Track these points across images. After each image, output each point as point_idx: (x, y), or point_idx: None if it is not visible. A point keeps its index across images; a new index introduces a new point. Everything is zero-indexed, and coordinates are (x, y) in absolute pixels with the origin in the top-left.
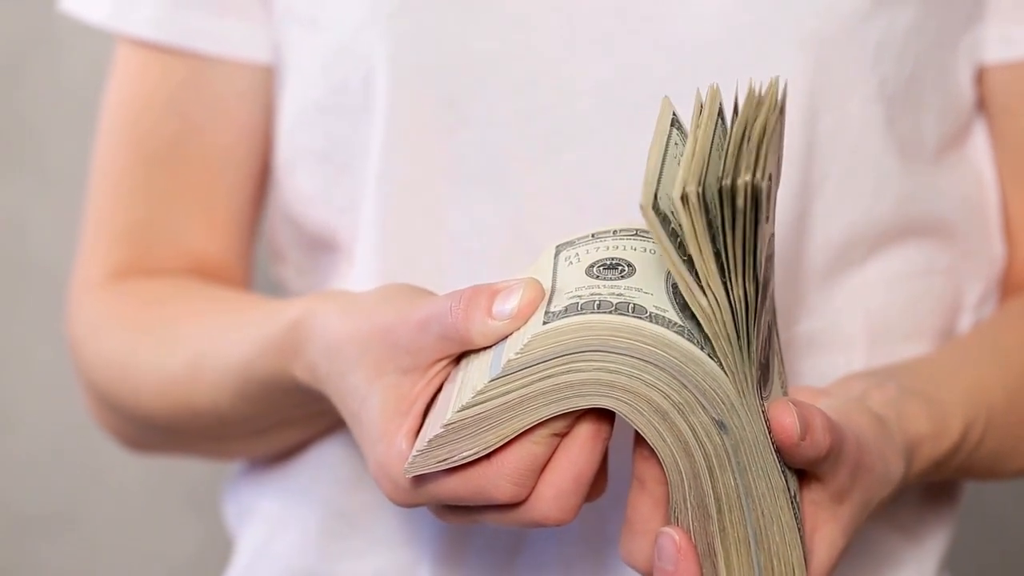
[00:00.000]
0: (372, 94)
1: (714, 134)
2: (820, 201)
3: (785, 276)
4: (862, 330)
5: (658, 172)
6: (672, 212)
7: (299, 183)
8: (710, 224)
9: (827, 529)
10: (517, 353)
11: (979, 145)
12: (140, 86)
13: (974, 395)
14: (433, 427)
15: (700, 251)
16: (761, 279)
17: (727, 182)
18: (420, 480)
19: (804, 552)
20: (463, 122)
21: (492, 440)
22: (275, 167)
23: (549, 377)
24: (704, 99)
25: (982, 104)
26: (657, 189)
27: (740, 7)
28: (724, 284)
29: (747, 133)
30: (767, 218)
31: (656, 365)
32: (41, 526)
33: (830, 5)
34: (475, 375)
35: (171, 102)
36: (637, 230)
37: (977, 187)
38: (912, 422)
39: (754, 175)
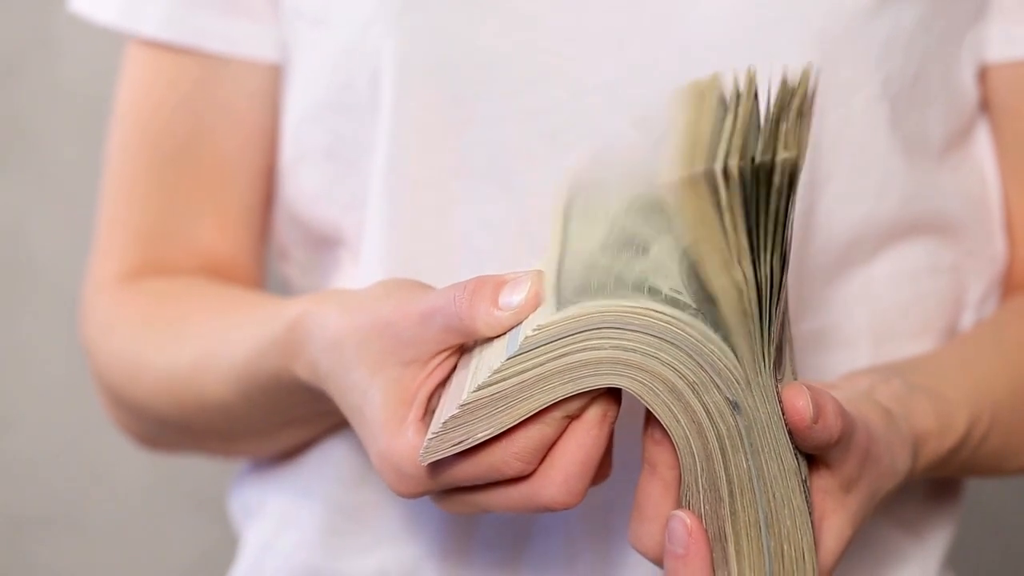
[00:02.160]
0: (379, 92)
1: (751, 113)
2: (825, 199)
3: (790, 273)
4: (867, 327)
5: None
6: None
7: (305, 181)
8: (745, 200)
9: (835, 518)
10: (535, 330)
11: (982, 143)
12: (151, 86)
13: (978, 392)
14: (448, 409)
15: (735, 226)
16: (787, 259)
17: (766, 158)
18: (430, 465)
19: (813, 538)
20: (470, 120)
21: (507, 420)
22: (280, 165)
23: (565, 355)
24: (742, 80)
25: (985, 102)
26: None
27: (748, 6)
28: (752, 261)
29: (783, 114)
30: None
31: (672, 343)
32: (41, 527)
33: (836, 4)
34: (491, 357)
35: (182, 102)
36: None
37: (980, 185)
38: (918, 418)
39: (787, 155)
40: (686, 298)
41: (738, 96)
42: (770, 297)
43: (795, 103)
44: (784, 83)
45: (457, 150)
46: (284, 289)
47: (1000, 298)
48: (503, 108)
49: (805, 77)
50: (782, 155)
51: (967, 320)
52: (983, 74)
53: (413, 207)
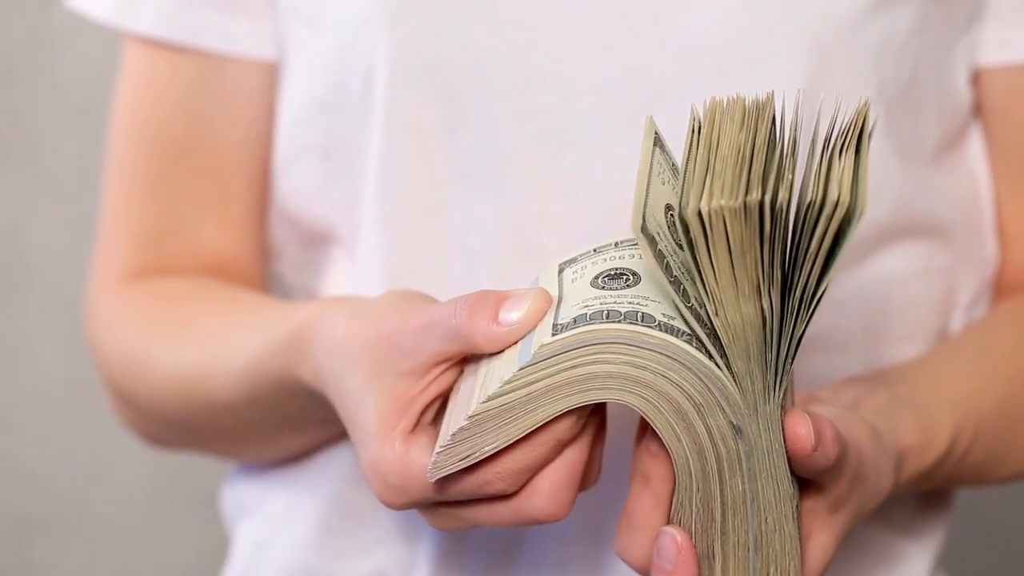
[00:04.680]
0: (372, 93)
1: (796, 146)
2: None
3: None
4: (859, 330)
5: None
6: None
7: (299, 179)
8: (787, 235)
9: (820, 538)
10: (552, 338)
11: (974, 147)
12: (149, 85)
13: (963, 405)
14: (456, 421)
15: (771, 258)
16: (821, 298)
17: (817, 196)
18: (417, 479)
19: (801, 562)
20: (464, 121)
21: (513, 433)
22: (274, 163)
23: (576, 367)
24: (787, 107)
25: (978, 107)
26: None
27: (742, 9)
28: (782, 293)
29: (836, 153)
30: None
31: (683, 364)
32: (41, 527)
33: (831, 7)
34: (501, 367)
35: (181, 100)
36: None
37: (972, 188)
38: (902, 434)
39: (840, 195)
40: (679, 323)
41: (781, 123)
42: (792, 331)
43: (854, 141)
44: (835, 121)
45: (450, 151)
46: (280, 287)
47: (991, 301)
48: (496, 110)
49: (861, 112)
50: (835, 196)
51: (957, 322)
52: (976, 78)
53: (407, 207)
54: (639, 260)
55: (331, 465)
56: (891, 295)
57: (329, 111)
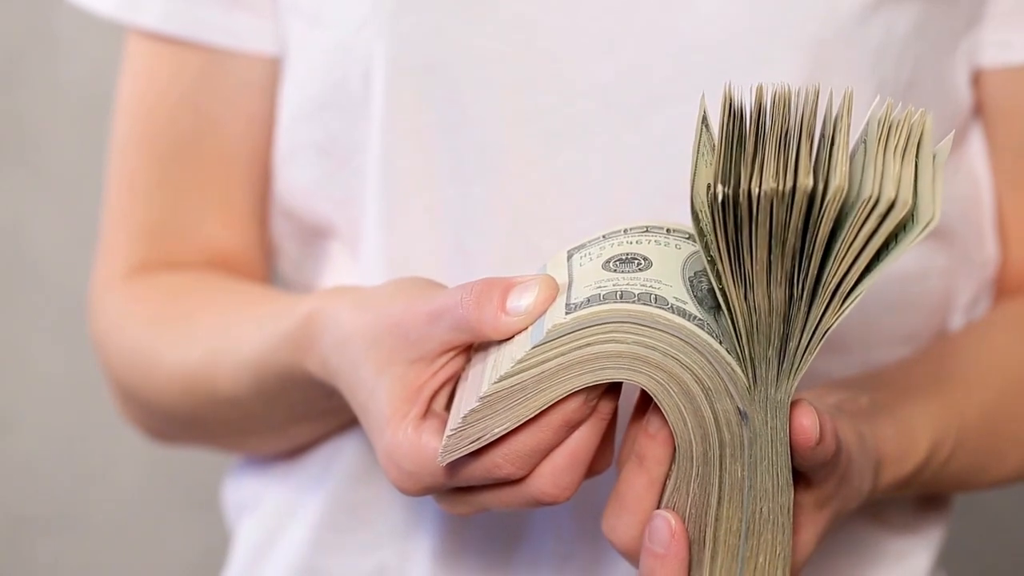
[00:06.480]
0: (372, 91)
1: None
2: None
3: None
4: (858, 332)
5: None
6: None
7: (299, 175)
8: (839, 225)
9: (804, 533)
10: (564, 318)
11: (974, 148)
12: (152, 80)
13: (946, 415)
14: (467, 403)
15: (812, 246)
16: (835, 292)
17: (875, 191)
18: (431, 465)
19: (791, 554)
20: (462, 121)
21: (524, 413)
22: (274, 159)
23: (589, 346)
24: (842, 101)
25: (978, 107)
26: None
27: (742, 10)
28: (815, 283)
29: (888, 147)
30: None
31: (694, 347)
32: (41, 526)
33: (830, 9)
34: (513, 348)
35: (185, 95)
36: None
37: (973, 189)
38: (880, 442)
39: (899, 195)
40: (691, 307)
41: (843, 119)
42: (818, 324)
43: (911, 146)
44: (888, 111)
45: (448, 151)
46: (283, 282)
47: (992, 301)
48: (495, 110)
49: (917, 118)
50: (891, 194)
51: (956, 323)
52: (977, 78)
53: (406, 206)
54: (650, 245)
55: (333, 461)
56: (890, 296)
57: (328, 109)
